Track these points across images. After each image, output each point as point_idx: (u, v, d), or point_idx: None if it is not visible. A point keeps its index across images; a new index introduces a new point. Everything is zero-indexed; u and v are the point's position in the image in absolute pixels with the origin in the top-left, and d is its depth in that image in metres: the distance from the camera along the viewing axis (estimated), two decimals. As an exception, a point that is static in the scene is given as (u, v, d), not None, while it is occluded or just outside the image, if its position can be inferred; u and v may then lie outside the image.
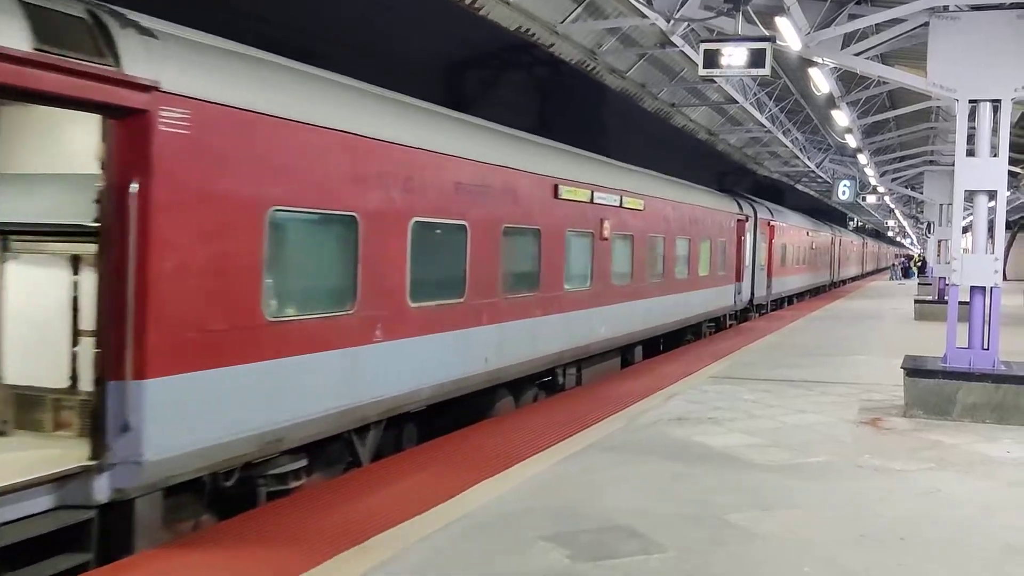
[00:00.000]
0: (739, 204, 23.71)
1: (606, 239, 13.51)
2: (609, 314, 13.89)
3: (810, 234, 36.44)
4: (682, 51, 15.43)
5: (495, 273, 10.14)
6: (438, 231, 9.11)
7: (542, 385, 12.20)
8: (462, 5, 13.50)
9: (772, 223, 27.58)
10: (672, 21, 13.26)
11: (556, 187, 11.72)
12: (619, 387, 12.40)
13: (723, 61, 11.25)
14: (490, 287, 10.03)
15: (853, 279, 57.31)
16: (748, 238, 24.29)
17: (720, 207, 21.67)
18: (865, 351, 16.87)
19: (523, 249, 11.14)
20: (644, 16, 13.54)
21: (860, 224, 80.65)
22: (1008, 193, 17.72)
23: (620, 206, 14.13)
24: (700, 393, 11.77)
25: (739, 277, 23.34)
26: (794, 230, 32.21)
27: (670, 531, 6.05)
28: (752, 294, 25.22)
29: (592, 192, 12.92)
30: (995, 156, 10.23)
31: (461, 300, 9.41)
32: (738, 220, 23.13)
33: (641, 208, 15.13)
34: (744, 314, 24.96)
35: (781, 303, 30.94)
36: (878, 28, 11.89)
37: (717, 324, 22.17)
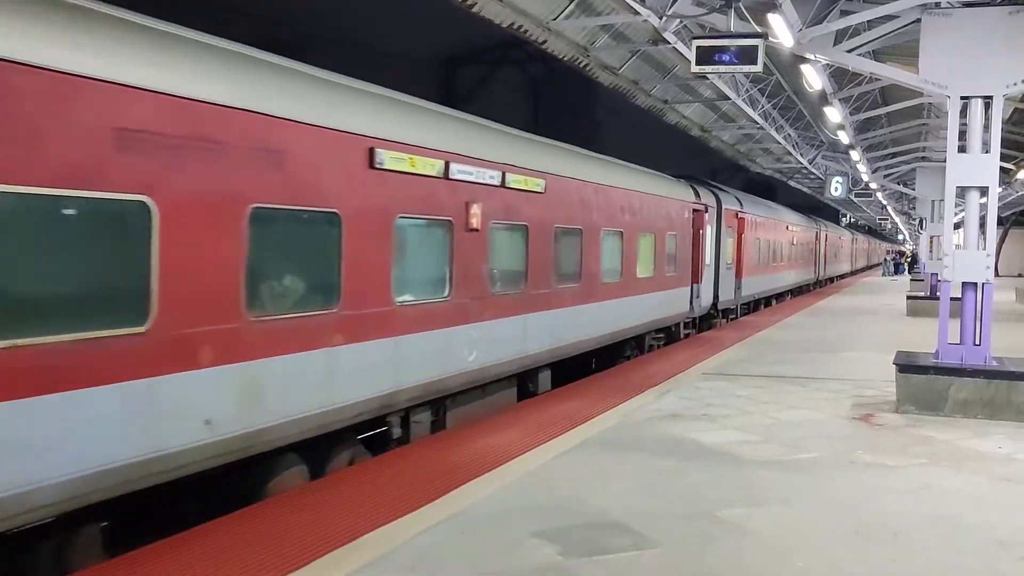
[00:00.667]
0: (696, 191, 20.25)
1: (476, 230, 9.98)
2: (485, 334, 10.27)
3: (790, 228, 33.62)
4: (674, 48, 15.44)
5: (231, 283, 6.46)
6: (69, 213, 5.39)
7: (374, 440, 8.72)
8: (455, 2, 13.47)
9: (741, 215, 24.54)
10: (664, 18, 13.27)
11: (372, 152, 8.03)
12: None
13: (715, 58, 11.25)
14: (218, 306, 6.40)
15: (842, 276, 55.34)
16: (709, 232, 21.06)
17: (670, 194, 17.95)
18: (857, 347, 16.89)
19: (300, 245, 7.50)
20: (636, 13, 13.54)
21: (853, 220, 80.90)
22: (1000, 189, 17.77)
23: (503, 186, 10.58)
24: (693, 390, 11.78)
25: (697, 278, 20.01)
26: (770, 223, 29.19)
27: (663, 527, 6.05)
28: (716, 297, 22.05)
29: (447, 163, 9.33)
30: (987, 152, 10.24)
31: (141, 330, 5.76)
32: (694, 210, 19.71)
33: (541, 190, 11.64)
34: (708, 321, 21.96)
35: (757, 305, 28.24)
36: (870, 24, 11.90)
37: (669, 335, 18.69)
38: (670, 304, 18.05)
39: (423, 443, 8.94)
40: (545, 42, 15.96)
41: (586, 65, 18.04)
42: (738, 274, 24.40)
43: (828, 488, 7.17)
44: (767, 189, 42.31)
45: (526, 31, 15.19)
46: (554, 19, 15.17)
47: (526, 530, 5.93)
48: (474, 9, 13.77)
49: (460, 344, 9.77)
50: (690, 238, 19.36)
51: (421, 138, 9.01)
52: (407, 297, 8.80)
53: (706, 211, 20.72)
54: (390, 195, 8.42)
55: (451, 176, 9.45)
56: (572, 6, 15.17)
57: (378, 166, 8.17)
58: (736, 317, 24.70)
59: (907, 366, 10.39)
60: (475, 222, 9.96)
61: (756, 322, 22.73)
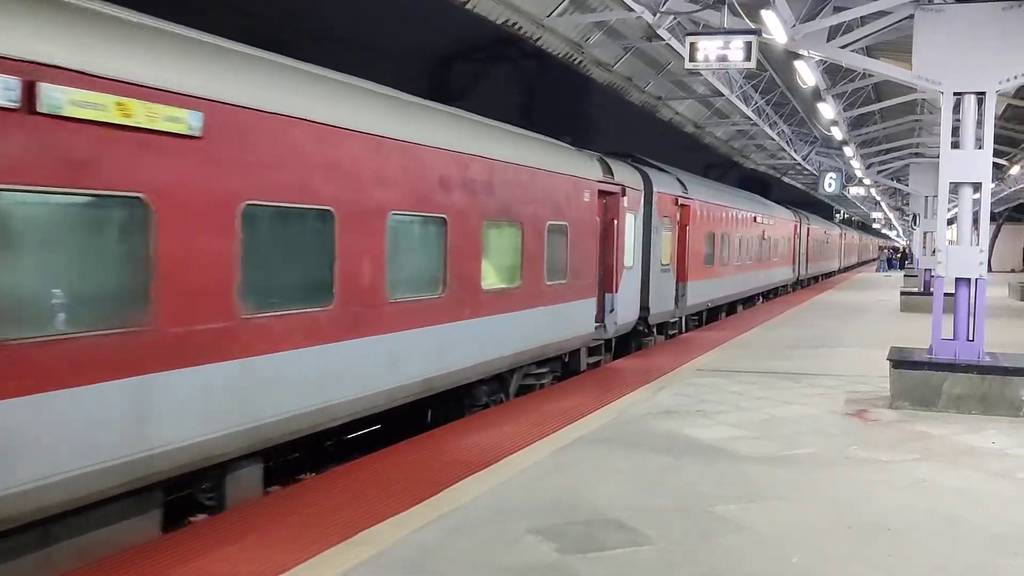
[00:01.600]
0: (607, 167, 14.67)
1: None
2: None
3: (759, 219, 27.95)
4: (668, 44, 15.46)
5: None
6: None
7: None
8: (449, -1, 13.48)
9: (684, 201, 18.95)
10: (658, 14, 13.32)
11: None
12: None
13: (709, 54, 11.27)
14: None
15: (828, 275, 50.54)
16: (631, 223, 15.63)
17: (556, 167, 12.45)
18: (851, 343, 16.93)
19: None
20: (630, 9, 13.56)
21: (847, 216, 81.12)
22: (993, 185, 17.83)
23: (31, 111, 4.84)
24: (688, 386, 11.80)
25: (611, 286, 14.76)
26: (728, 213, 23.51)
27: (659, 523, 6.06)
28: (645, 309, 16.67)
29: None
30: (980, 148, 10.27)
31: None
32: (605, 192, 14.35)
33: (192, 132, 5.98)
34: (637, 339, 16.98)
35: (715, 314, 23.39)
36: (863, 20, 11.94)
37: (565, 367, 13.52)
38: (558, 325, 12.63)
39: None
40: (539, 39, 15.98)
41: (580, 62, 18.06)
42: (681, 277, 19.15)
43: (823, 484, 7.19)
44: (762, 185, 42.37)
45: (520, 28, 15.20)
46: (548, 16, 15.18)
47: (523, 527, 5.94)
48: (468, 6, 13.78)
49: None
50: (596, 231, 14.10)
51: None
52: None
53: (623, 194, 15.10)
54: None
55: None
56: (566, 3, 15.19)
57: None
58: (680, 332, 19.53)
59: (901, 362, 10.42)
60: None
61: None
